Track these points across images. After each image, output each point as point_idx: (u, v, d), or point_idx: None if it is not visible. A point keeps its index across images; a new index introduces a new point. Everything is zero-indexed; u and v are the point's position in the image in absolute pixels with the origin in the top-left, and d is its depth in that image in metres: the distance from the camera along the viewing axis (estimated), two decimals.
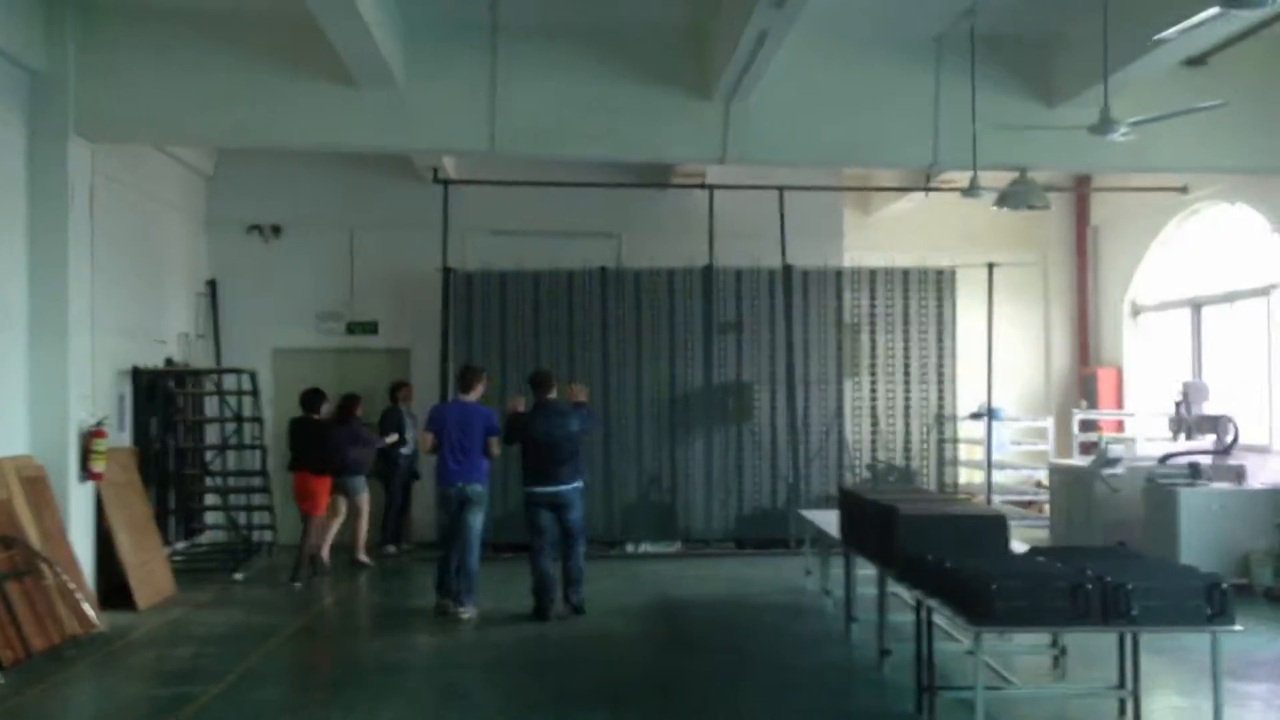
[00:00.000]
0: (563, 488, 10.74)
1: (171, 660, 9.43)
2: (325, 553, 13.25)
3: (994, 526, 7.57)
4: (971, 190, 10.59)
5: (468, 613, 10.77)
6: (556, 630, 10.38)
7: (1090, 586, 6.11)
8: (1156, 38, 7.70)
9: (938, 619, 7.41)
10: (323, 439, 13.03)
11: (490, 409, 11.32)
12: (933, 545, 7.27)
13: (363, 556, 13.88)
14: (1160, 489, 11.80)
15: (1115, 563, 6.83)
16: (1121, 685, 7.28)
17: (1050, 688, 8.11)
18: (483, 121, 10.97)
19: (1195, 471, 11.98)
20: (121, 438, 12.48)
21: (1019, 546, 7.94)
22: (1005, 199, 10.93)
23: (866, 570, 9.06)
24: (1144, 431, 15.43)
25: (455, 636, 10.21)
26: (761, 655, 9.45)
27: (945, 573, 6.73)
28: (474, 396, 11.12)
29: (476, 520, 10.89)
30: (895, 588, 8.20)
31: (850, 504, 9.28)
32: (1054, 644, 8.41)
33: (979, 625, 6.17)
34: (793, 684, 8.52)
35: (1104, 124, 8.49)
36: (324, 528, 13.23)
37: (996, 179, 11.79)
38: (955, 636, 8.52)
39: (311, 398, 13.28)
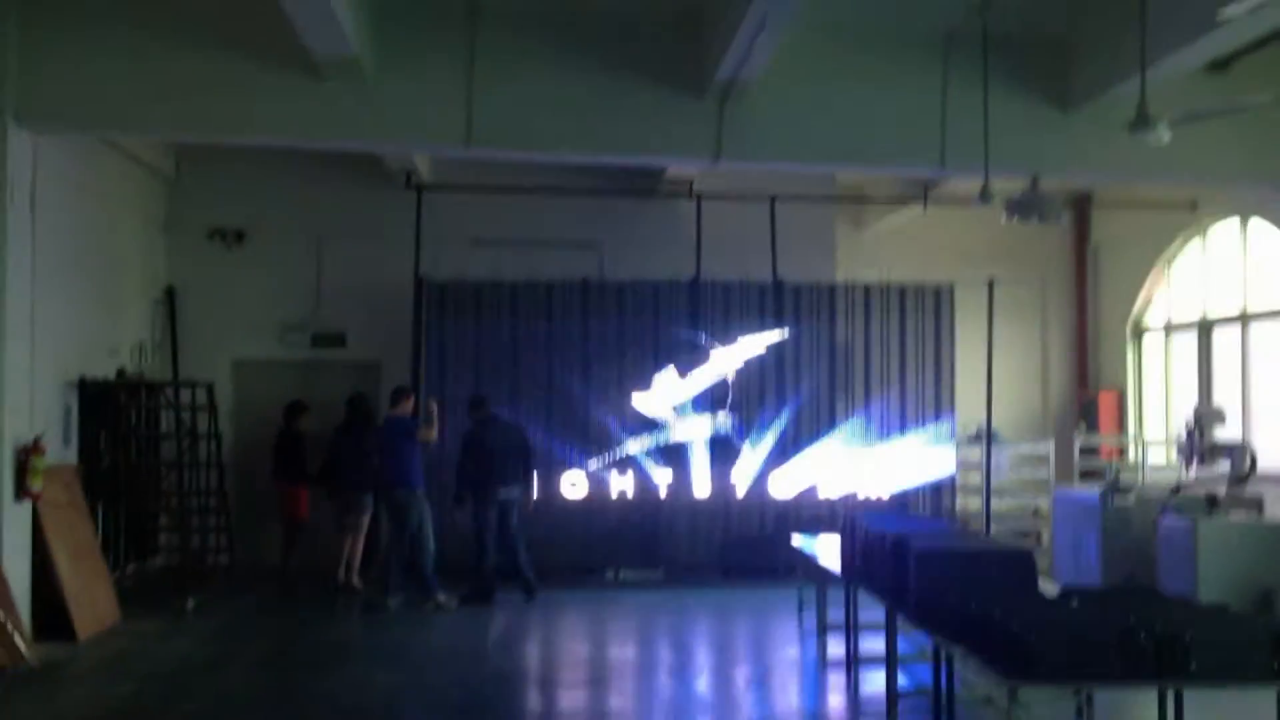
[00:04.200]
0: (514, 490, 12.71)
1: (108, 699, 8.55)
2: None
3: (1019, 564, 6.80)
4: (984, 197, 9.86)
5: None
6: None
7: (1143, 637, 5.35)
8: (1223, 16, 6.96)
9: (959, 667, 6.64)
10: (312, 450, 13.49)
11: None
12: (951, 584, 6.50)
13: (356, 581, 13.08)
14: (1176, 521, 11.09)
15: (1162, 609, 6.08)
16: None
17: None
18: (458, 117, 10.17)
19: (1212, 502, 11.28)
20: (66, 454, 11.61)
21: (1045, 586, 7.17)
22: (1015, 209, 10.19)
23: (868, 603, 8.30)
24: (1150, 459, 14.75)
25: (416, 674, 9.39)
26: (757, 698, 8.68)
27: (971, 618, 5.96)
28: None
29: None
30: (907, 628, 7.44)
31: (853, 535, 8.52)
32: (1077, 690, 7.65)
33: (1016, 680, 5.40)
34: None
35: (1141, 121, 7.75)
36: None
37: (999, 190, 11.08)
38: (968, 682, 7.76)
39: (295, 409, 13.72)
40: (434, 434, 12.65)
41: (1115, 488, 12.15)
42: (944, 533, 8.60)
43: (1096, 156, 10.65)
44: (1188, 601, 6.52)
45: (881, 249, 15.99)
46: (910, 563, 6.87)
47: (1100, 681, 5.56)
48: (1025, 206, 10.22)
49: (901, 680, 8.39)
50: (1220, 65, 10.59)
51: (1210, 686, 5.49)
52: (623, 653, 10.66)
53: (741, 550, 14.07)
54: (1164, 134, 7.79)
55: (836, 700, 8.74)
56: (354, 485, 12.99)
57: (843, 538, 8.91)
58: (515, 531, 12.73)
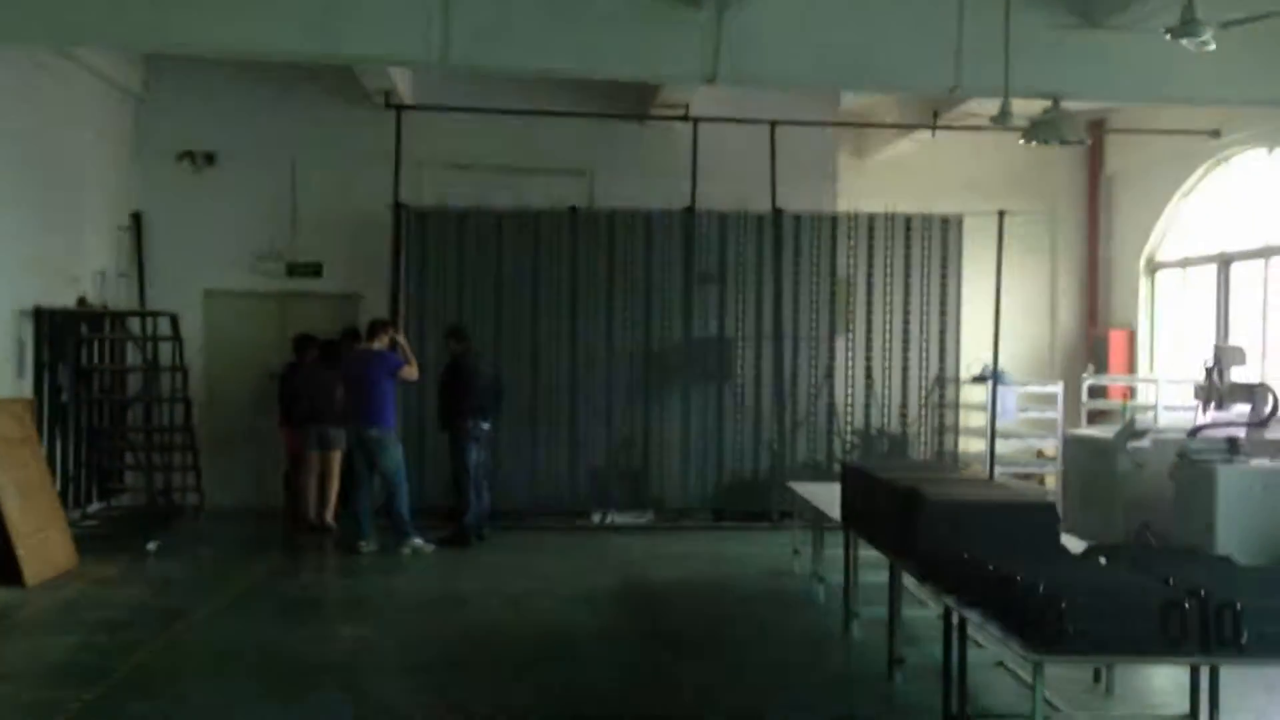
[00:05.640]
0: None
1: (50, 651, 7.95)
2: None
3: (1042, 518, 6.18)
4: (1002, 118, 9.09)
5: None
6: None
7: (1189, 606, 4.71)
8: None
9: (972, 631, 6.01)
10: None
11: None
12: (966, 539, 5.86)
13: (329, 519, 12.51)
14: (1194, 466, 10.43)
15: (1203, 570, 5.44)
16: (1194, 714, 5.94)
17: (1105, 714, 6.71)
18: (433, 26, 9.29)
19: (1233, 447, 10.62)
20: (20, 386, 10.96)
21: (1069, 541, 6.52)
22: (1036, 130, 9.47)
23: (868, 552, 7.67)
24: (1162, 400, 14.11)
25: (387, 627, 8.78)
26: (745, 660, 8.06)
27: (990, 579, 5.32)
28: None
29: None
30: (912, 584, 6.82)
31: (856, 481, 7.88)
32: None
33: (1042, 653, 4.75)
34: (785, 700, 7.14)
35: (1187, 25, 6.98)
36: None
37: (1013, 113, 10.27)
38: (976, 640, 7.13)
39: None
40: (416, 372, 12.01)
41: (1130, 431, 11.52)
42: (956, 480, 7.93)
43: (1124, 75, 9.81)
44: (1228, 561, 5.88)
45: (884, 179, 15.17)
46: (920, 514, 6.22)
47: (1139, 655, 4.93)
48: (1047, 127, 9.53)
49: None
50: None
51: (1264, 664, 4.86)
52: (604, 605, 10.02)
53: (735, 493, 13.47)
54: (1210, 39, 7.02)
55: (834, 661, 8.12)
56: (332, 420, 12.36)
57: (844, 482, 8.26)
58: (487, 469, 12.27)
